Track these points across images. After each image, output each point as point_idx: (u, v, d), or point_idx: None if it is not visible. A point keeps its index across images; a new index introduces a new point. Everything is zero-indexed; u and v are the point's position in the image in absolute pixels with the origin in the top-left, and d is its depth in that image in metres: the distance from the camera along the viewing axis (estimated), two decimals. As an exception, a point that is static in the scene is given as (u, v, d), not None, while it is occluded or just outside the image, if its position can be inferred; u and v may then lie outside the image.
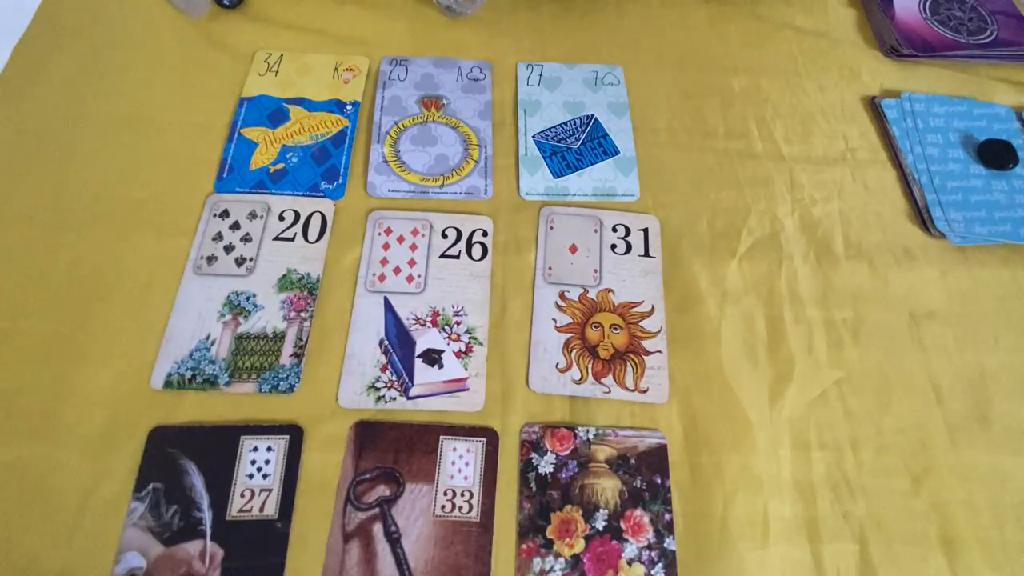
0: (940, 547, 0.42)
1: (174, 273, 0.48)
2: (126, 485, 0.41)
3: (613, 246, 0.52)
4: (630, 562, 0.40)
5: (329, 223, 0.51)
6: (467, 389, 0.45)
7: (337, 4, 0.64)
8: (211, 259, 0.49)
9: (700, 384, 0.47)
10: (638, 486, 0.43)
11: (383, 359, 0.46)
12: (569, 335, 0.48)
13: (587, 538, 0.41)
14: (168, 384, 0.44)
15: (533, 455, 0.43)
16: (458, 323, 0.48)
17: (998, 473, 0.45)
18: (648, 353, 0.47)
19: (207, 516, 0.40)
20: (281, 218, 0.51)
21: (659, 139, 0.58)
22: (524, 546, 0.41)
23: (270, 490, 0.41)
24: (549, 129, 0.58)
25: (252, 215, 0.51)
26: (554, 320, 0.48)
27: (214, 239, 0.50)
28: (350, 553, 0.40)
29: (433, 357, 0.46)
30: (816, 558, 0.41)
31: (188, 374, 0.44)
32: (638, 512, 0.42)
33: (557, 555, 0.41)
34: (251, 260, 0.49)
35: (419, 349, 0.46)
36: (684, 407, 0.46)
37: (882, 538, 0.42)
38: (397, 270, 0.50)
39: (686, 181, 0.56)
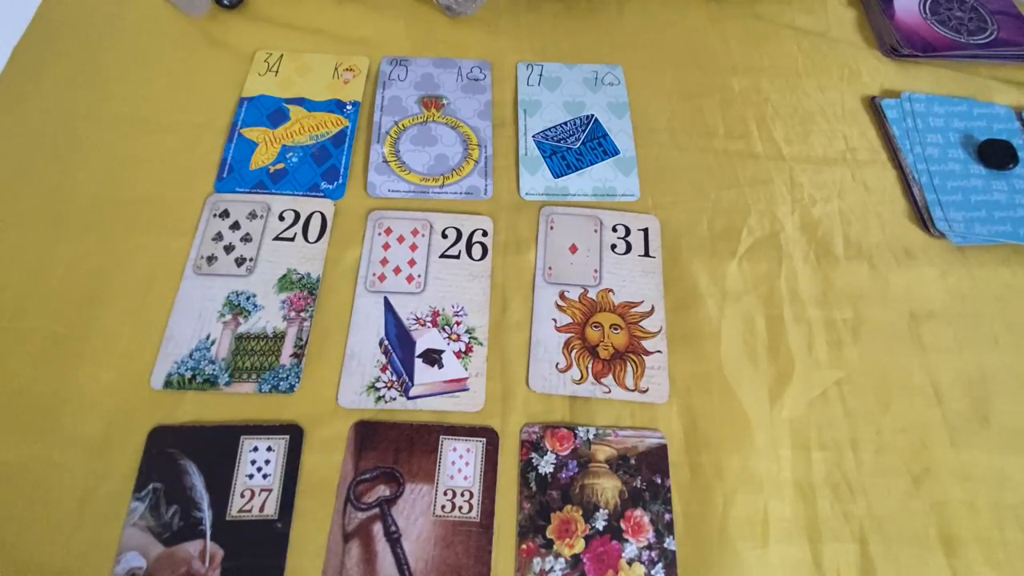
0: (940, 547, 0.42)
1: (174, 273, 0.48)
2: (126, 485, 0.41)
3: (613, 246, 0.52)
4: (630, 562, 0.40)
5: (329, 223, 0.51)
6: (467, 389, 0.45)
7: (337, 4, 0.64)
8: (211, 259, 0.49)
9: (700, 384, 0.47)
10: (638, 486, 0.43)
11: (383, 359, 0.46)
12: (569, 335, 0.48)
13: (587, 538, 0.41)
14: (168, 384, 0.44)
15: (533, 455, 0.43)
16: (458, 323, 0.48)
17: (998, 473, 0.45)
18: (648, 353, 0.47)
19: (207, 516, 0.40)
20: (281, 218, 0.51)
21: (659, 139, 0.58)
22: (524, 546, 0.41)
23: (270, 490, 0.41)
24: (549, 129, 0.58)
25: (252, 215, 0.51)
26: (554, 320, 0.48)
27: (214, 239, 0.50)
28: (350, 553, 0.40)
29: (433, 357, 0.46)
30: (816, 558, 0.41)
31: (188, 374, 0.44)
32: (638, 512, 0.42)
33: (557, 555, 0.40)
34: (251, 260, 0.49)
35: (419, 349, 0.46)
36: (684, 407, 0.46)
37: (882, 538, 0.42)
38: (397, 270, 0.50)
39: (686, 181, 0.56)
